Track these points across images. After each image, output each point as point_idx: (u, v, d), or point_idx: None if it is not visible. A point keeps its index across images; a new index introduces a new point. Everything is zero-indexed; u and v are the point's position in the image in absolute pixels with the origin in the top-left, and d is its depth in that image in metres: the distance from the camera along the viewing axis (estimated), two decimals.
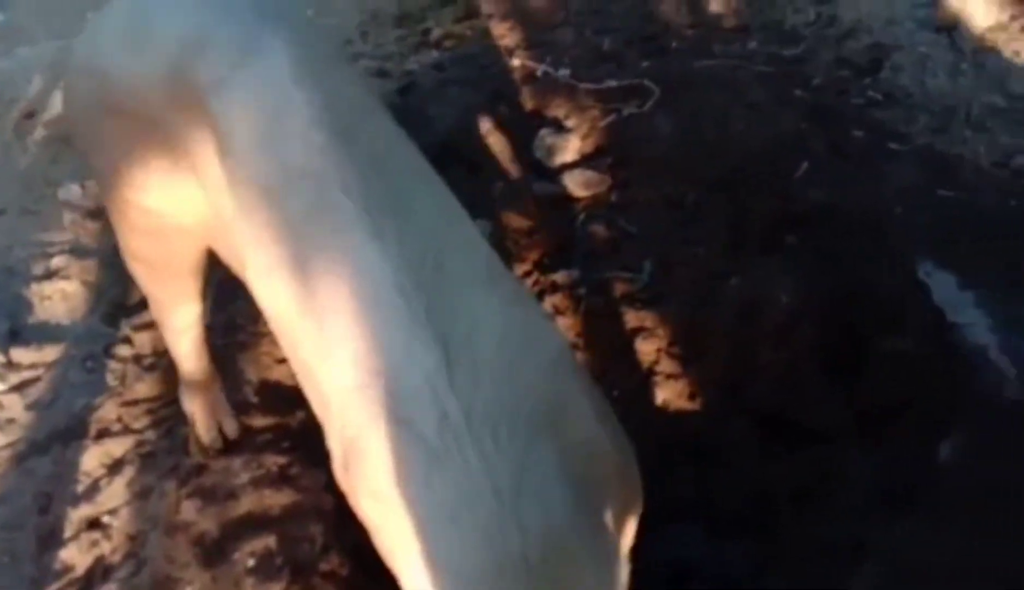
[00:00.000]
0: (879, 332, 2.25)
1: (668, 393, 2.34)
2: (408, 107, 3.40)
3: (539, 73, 3.54)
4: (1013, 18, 3.28)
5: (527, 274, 2.68)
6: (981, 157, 2.70)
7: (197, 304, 1.96)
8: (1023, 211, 2.45)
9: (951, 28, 3.24)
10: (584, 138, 3.20)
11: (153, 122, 1.49)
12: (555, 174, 3.06)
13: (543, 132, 3.19)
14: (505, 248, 2.74)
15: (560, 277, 2.66)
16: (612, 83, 3.41)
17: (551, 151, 3.12)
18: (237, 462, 2.25)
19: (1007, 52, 3.13)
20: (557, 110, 3.33)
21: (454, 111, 3.32)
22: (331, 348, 1.25)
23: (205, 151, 1.44)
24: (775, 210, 2.70)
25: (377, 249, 1.23)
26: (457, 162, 3.12)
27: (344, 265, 1.25)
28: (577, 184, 3.02)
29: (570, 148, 3.14)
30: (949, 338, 2.11)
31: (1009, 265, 2.25)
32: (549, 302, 2.60)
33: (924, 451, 1.92)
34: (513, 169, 3.07)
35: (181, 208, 1.54)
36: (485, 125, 3.26)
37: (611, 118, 3.25)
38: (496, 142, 3.18)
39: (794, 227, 2.67)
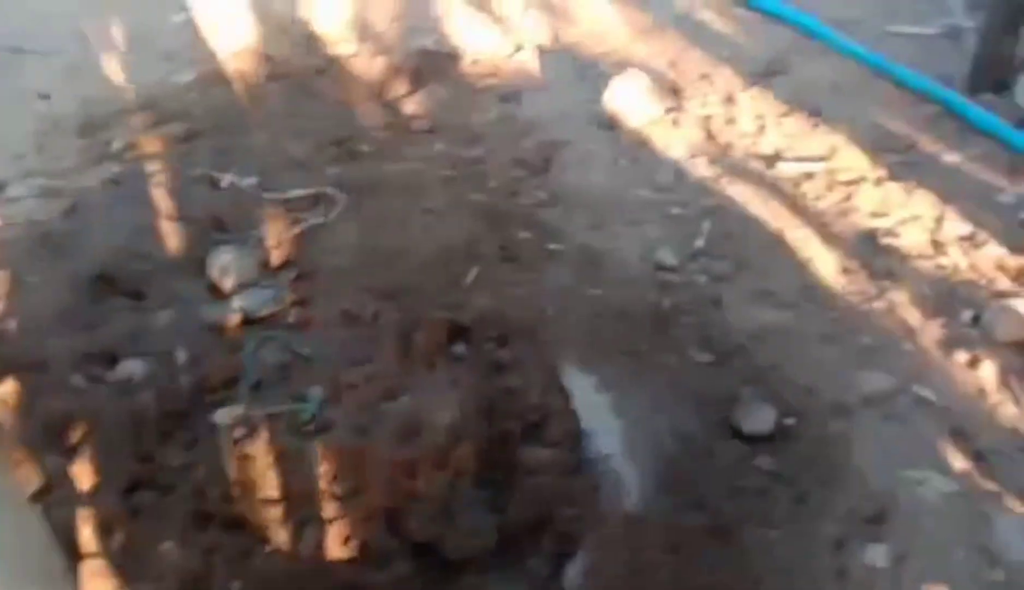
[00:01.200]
0: (526, 444, 2.27)
1: (328, 539, 2.23)
2: (70, 232, 3.12)
3: (224, 183, 3.39)
4: (668, 111, 3.56)
5: (183, 417, 2.49)
6: (629, 252, 2.86)
7: None
8: (658, 305, 2.60)
9: (613, 124, 3.46)
10: (265, 253, 3.08)
11: None
12: (230, 296, 2.90)
13: (220, 250, 3.03)
14: (162, 391, 2.54)
15: (222, 415, 2.50)
16: (299, 192, 3.32)
17: (226, 271, 2.96)
18: None
19: (659, 145, 3.38)
20: (238, 224, 3.19)
21: (122, 232, 3.08)
22: None
23: None
24: (445, 320, 2.70)
25: None
26: (118, 293, 2.89)
27: None
28: (253, 305, 2.88)
29: (248, 266, 3.00)
30: (583, 448, 2.16)
31: (637, 360, 2.36)
32: (205, 446, 2.42)
33: (556, 574, 1.94)
34: (182, 295, 2.88)
35: None
36: (154, 247, 3.05)
37: (296, 229, 3.16)
38: (165, 266, 2.99)
39: (462, 337, 2.68)
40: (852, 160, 3.27)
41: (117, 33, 4.63)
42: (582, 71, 3.90)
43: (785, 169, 3.24)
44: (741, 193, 3.12)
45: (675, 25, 4.23)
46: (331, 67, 4.18)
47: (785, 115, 3.56)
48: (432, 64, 4.03)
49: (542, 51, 4.09)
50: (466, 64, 4.05)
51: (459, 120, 3.64)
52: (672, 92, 3.69)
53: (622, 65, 3.91)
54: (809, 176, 3.21)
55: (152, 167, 3.49)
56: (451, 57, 4.09)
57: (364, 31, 4.45)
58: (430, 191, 3.23)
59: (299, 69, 4.18)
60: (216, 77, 4.17)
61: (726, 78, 3.84)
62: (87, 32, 4.64)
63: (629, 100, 3.42)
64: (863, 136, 3.36)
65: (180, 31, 4.59)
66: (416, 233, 3.04)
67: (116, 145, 3.66)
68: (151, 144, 3.67)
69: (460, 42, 4.24)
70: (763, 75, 3.84)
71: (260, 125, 3.77)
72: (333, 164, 3.47)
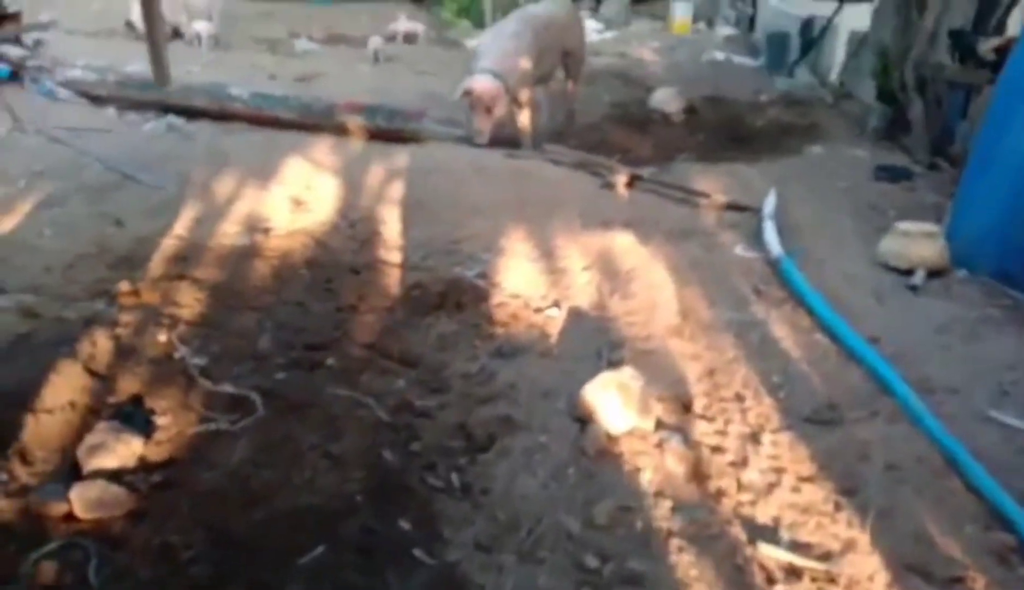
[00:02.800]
0: None
1: None
2: None
3: (176, 354, 3.16)
4: (661, 427, 2.90)
5: None
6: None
7: None
8: None
9: (588, 421, 2.86)
10: (148, 443, 2.74)
11: None
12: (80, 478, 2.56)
13: (104, 426, 2.74)
14: None
15: None
16: (227, 388, 3.01)
17: (95, 450, 2.63)
18: None
19: (625, 467, 2.71)
20: (153, 398, 2.91)
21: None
22: None
23: None
24: None
25: None
26: None
27: None
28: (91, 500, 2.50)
29: (123, 453, 2.66)
30: None
31: None
32: None
33: None
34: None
35: None
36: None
37: (196, 428, 2.81)
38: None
39: None
40: (863, 572, 2.40)
41: (216, 187, 4.81)
42: (600, 349, 3.38)
43: (768, 553, 2.43)
44: (687, 565, 2.35)
45: (735, 331, 3.62)
46: (366, 268, 3.99)
47: (808, 480, 2.76)
48: (457, 294, 3.70)
49: (574, 314, 3.63)
50: (492, 303, 3.68)
51: (438, 362, 3.21)
52: (682, 406, 3.04)
53: (645, 355, 3.35)
54: (793, 574, 2.38)
55: (124, 316, 3.37)
56: (480, 292, 3.74)
57: (421, 243, 4.27)
58: (348, 435, 2.76)
59: (334, 261, 4.03)
60: (259, 248, 4.12)
61: (763, 409, 3.13)
62: (194, 179, 4.88)
63: (612, 400, 2.82)
64: (895, 546, 2.48)
65: (268, 199, 4.69)
66: (295, 479, 2.56)
67: (122, 286, 3.60)
68: (150, 295, 3.58)
69: (501, 279, 3.90)
70: (809, 420, 3.09)
71: (260, 306, 3.59)
72: (287, 369, 3.13)
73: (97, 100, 6.02)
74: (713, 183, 5.41)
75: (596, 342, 3.44)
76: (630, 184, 5.09)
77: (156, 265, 3.87)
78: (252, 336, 3.33)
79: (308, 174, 4.97)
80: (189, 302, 3.55)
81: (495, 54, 5.65)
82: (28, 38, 7.14)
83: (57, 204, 4.49)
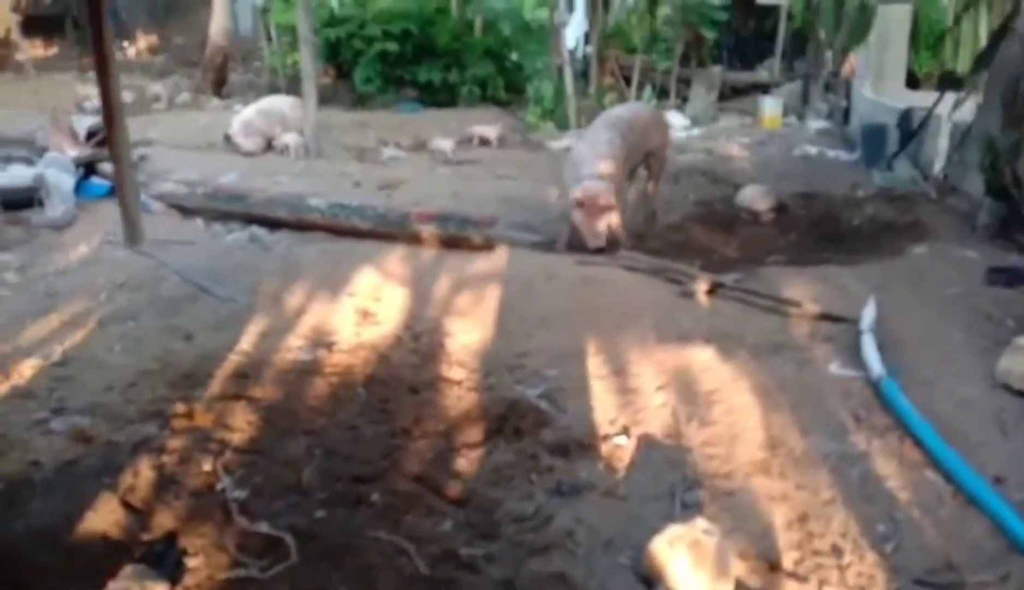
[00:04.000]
0: None
1: None
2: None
3: (218, 486, 2.98)
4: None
5: None
6: None
7: None
8: None
9: (652, 583, 2.47)
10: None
11: None
12: None
13: (130, 569, 2.55)
14: None
15: None
16: (262, 526, 2.79)
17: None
18: None
19: None
20: (186, 535, 2.72)
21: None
22: None
23: None
24: None
25: None
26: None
27: None
28: None
29: None
30: None
31: None
32: None
33: None
34: None
35: None
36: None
37: (226, 574, 2.59)
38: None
39: None
40: None
41: (287, 298, 4.76)
42: (674, 487, 2.99)
43: None
44: None
45: (832, 466, 3.17)
46: (426, 387, 3.77)
47: None
48: (517, 417, 3.42)
49: (646, 444, 3.28)
50: (554, 428, 3.37)
51: (489, 500, 2.90)
52: (767, 564, 2.61)
53: (725, 497, 2.94)
54: None
55: (173, 441, 3.24)
56: (541, 415, 3.44)
57: (485, 358, 4.03)
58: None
59: (395, 378, 3.83)
60: (321, 365, 3.98)
61: (865, 567, 2.65)
62: (266, 290, 4.86)
63: (682, 561, 2.43)
64: None
65: (336, 311, 4.59)
66: None
67: (176, 409, 3.50)
68: (203, 417, 3.46)
69: (566, 400, 3.60)
70: (922, 582, 2.60)
71: (312, 430, 3.40)
72: (329, 505, 2.90)
73: (186, 212, 6.20)
74: (805, 289, 4.98)
75: (669, 478, 3.06)
76: (711, 292, 4.74)
77: (216, 383, 3.77)
78: (299, 465, 3.13)
79: (378, 284, 4.87)
80: (241, 425, 3.41)
81: (596, 159, 5.61)
82: (132, 154, 7.54)
83: (131, 317, 4.52)
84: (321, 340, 4.24)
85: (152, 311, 4.60)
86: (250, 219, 6.01)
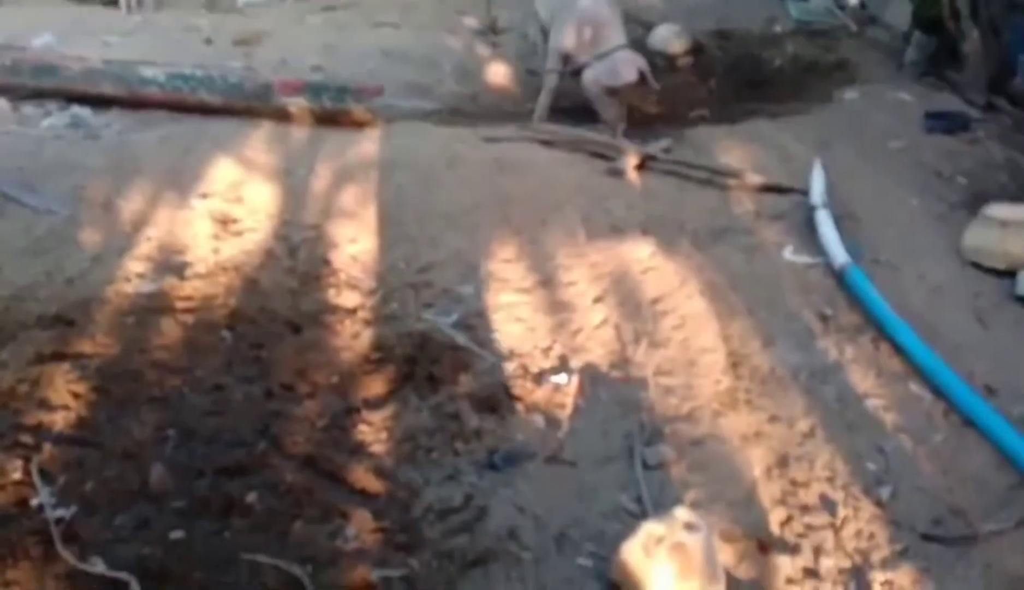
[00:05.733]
0: None
1: None
2: None
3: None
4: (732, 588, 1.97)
5: None
6: None
7: None
8: None
9: None
10: None
11: None
12: None
13: None
14: None
15: None
16: (97, 566, 2.05)
17: None
18: None
19: None
20: None
21: None
22: None
23: None
24: None
25: None
26: None
27: None
28: None
29: None
30: None
31: None
32: None
33: None
34: None
35: None
36: None
37: None
38: None
39: None
40: None
41: (121, 204, 3.74)
42: (631, 440, 2.41)
43: None
44: None
45: (804, 385, 2.66)
46: (310, 321, 2.97)
47: None
48: (429, 359, 2.71)
49: (590, 379, 2.66)
50: (477, 371, 2.69)
51: (403, 486, 2.23)
52: (757, 544, 2.10)
53: (693, 448, 2.39)
54: None
55: None
56: (460, 355, 2.75)
57: (381, 274, 3.25)
58: None
59: (268, 313, 3.01)
60: (170, 298, 3.10)
61: (862, 524, 2.18)
62: (94, 195, 3.80)
63: (664, 572, 1.86)
64: None
65: (186, 219, 3.62)
66: None
67: None
68: (10, 393, 2.57)
69: (487, 327, 2.91)
70: (929, 537, 2.16)
71: (162, 398, 2.59)
72: (188, 518, 2.15)
73: None
74: (740, 153, 4.35)
75: (623, 426, 2.47)
76: (641, 166, 4.03)
77: (28, 337, 2.84)
78: (145, 456, 2.34)
79: (238, 179, 3.89)
80: (64, 398, 2.56)
81: (616, 21, 4.68)
82: None
83: None
84: (169, 262, 3.32)
85: None
86: (70, 97, 4.75)
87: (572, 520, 2.13)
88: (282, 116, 4.45)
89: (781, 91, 5.81)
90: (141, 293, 3.13)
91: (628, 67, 4.50)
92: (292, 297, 3.10)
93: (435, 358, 2.70)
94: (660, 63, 6.30)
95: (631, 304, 3.03)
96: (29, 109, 4.86)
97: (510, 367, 2.69)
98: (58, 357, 2.75)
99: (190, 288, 3.15)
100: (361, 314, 3.00)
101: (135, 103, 4.60)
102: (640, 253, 3.32)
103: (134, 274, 3.24)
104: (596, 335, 2.88)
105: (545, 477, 2.26)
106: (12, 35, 6.11)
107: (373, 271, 3.26)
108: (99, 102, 4.72)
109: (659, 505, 2.16)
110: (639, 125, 4.81)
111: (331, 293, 3.12)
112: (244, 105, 4.45)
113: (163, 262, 3.32)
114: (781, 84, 5.98)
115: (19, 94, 4.93)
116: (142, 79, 4.61)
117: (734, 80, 6.09)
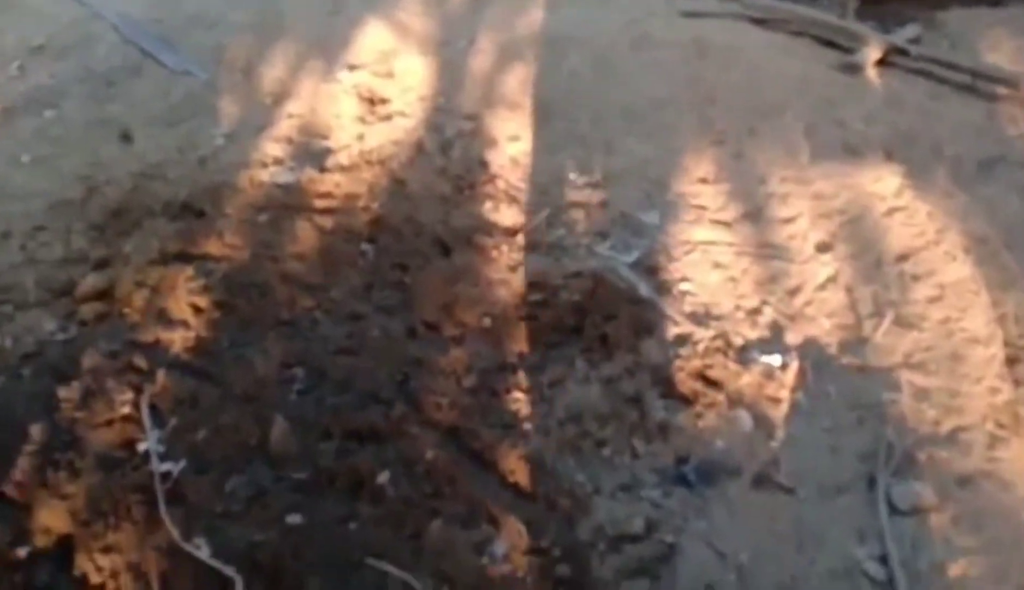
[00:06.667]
0: None
1: None
2: None
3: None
4: None
5: None
6: None
7: None
8: None
9: None
10: None
11: None
12: None
13: None
14: None
15: None
16: (201, 554, 1.70)
17: None
18: None
19: None
20: None
21: None
22: None
23: None
24: None
25: None
26: None
27: None
28: None
29: None
30: None
31: None
32: None
33: None
34: None
35: None
36: None
37: None
38: None
39: None
40: None
41: (262, 71, 3.26)
42: (873, 464, 1.78)
43: None
44: None
45: None
46: (461, 242, 2.43)
47: None
48: (602, 313, 2.13)
49: (814, 363, 2.00)
50: (666, 333, 2.10)
51: (567, 495, 1.74)
52: None
53: (961, 494, 1.73)
54: None
55: (81, 351, 2.06)
56: (640, 310, 2.14)
57: (546, 188, 2.64)
58: None
59: (414, 224, 2.50)
60: (307, 195, 2.64)
61: None
62: (234, 57, 3.34)
63: None
64: None
65: (330, 95, 3.11)
66: None
67: (84, 287, 2.28)
68: (127, 299, 2.24)
69: (675, 274, 2.27)
70: None
71: (291, 322, 2.18)
72: (307, 495, 1.76)
73: None
74: (1012, 48, 3.31)
75: (860, 442, 1.84)
76: (883, 61, 3.11)
77: (153, 227, 2.49)
78: (266, 402, 1.96)
79: (389, 48, 3.31)
80: (185, 313, 2.20)
81: None
82: None
83: (50, 103, 3.13)
84: (309, 147, 2.85)
85: (81, 92, 3.19)
86: None
87: (789, 579, 1.56)
88: None
89: None
90: (278, 184, 2.70)
91: None
92: (443, 206, 2.57)
93: (610, 312, 2.12)
94: None
95: (869, 258, 2.30)
96: None
97: (706, 336, 2.07)
98: (183, 257, 2.38)
99: (331, 183, 2.68)
100: (520, 238, 2.43)
101: None
102: (883, 186, 2.53)
103: (271, 158, 2.81)
104: (821, 299, 2.19)
105: (753, 507, 1.69)
106: None
107: (537, 181, 2.65)
108: None
109: (913, 573, 1.56)
110: (877, 1, 3.78)
111: (487, 206, 2.56)
112: None
113: (303, 146, 2.86)
114: None
115: None
116: None
117: None
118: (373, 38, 3.37)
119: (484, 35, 3.30)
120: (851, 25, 3.25)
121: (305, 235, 2.47)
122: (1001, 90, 3.01)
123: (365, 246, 2.44)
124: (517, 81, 3.07)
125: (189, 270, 2.33)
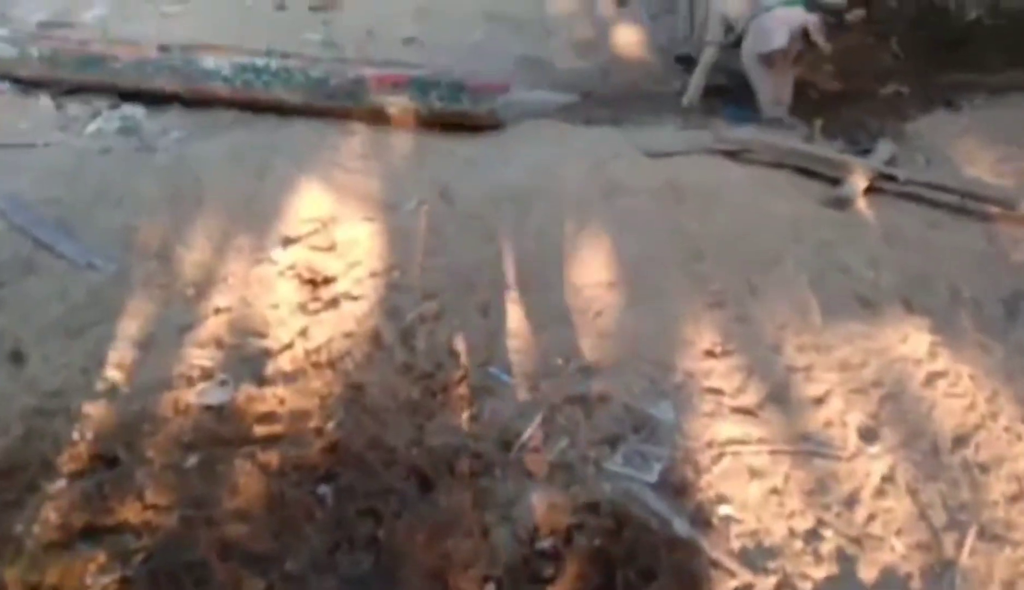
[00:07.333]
0: None
1: None
2: None
3: None
4: None
5: None
6: None
7: None
8: None
9: None
10: None
11: None
12: None
13: None
14: None
15: None
16: None
17: None
18: None
19: None
20: None
21: None
22: None
23: None
24: None
25: None
26: None
27: None
28: None
29: None
30: None
31: None
32: None
33: None
34: None
35: None
36: None
37: None
38: None
39: None
40: None
41: (180, 255, 2.79)
42: None
43: None
44: None
45: None
46: (439, 469, 1.99)
47: None
48: (636, 561, 1.70)
49: None
50: (720, 586, 1.67)
51: None
52: None
53: None
54: None
55: None
56: (684, 556, 1.72)
57: (534, 378, 2.23)
58: None
59: (381, 450, 2.04)
60: (243, 421, 2.15)
61: None
62: (146, 241, 2.86)
63: None
64: None
65: (263, 280, 2.66)
66: None
67: None
68: None
69: (710, 500, 1.87)
70: None
71: None
72: None
73: (24, 84, 3.95)
74: (984, 157, 3.13)
75: None
76: (871, 188, 2.87)
77: (52, 492, 1.96)
78: None
79: (328, 214, 2.90)
80: None
81: None
82: None
83: None
84: (243, 352, 2.38)
85: None
86: (121, 93, 3.81)
87: None
88: (378, 118, 3.40)
89: (987, 53, 4.47)
90: (208, 406, 2.21)
91: (779, 30, 3.29)
92: (413, 419, 2.12)
93: (645, 565, 1.69)
94: (829, 20, 4.98)
95: (923, 445, 1.95)
96: (75, 108, 3.94)
97: (767, 586, 1.65)
98: (92, 535, 1.85)
99: (273, 399, 2.21)
100: (513, 456, 2.00)
101: (196, 101, 3.62)
102: (912, 347, 2.21)
103: (198, 371, 2.32)
104: (884, 509, 1.81)
105: None
106: (62, 9, 5.20)
107: (521, 371, 2.24)
108: (154, 99, 3.76)
109: None
110: (822, 110, 3.60)
111: (466, 414, 2.12)
112: (329, 105, 3.41)
113: (236, 350, 2.39)
114: (985, 43, 4.62)
115: (62, 89, 4.01)
116: (204, 72, 3.61)
117: (922, 39, 4.74)
118: (308, 203, 2.95)
119: (435, 193, 2.92)
120: (830, 154, 3.01)
121: (247, 482, 1.98)
122: (992, 209, 2.79)
123: (322, 489, 1.96)
124: (475, 245, 2.69)
125: (100, 555, 1.80)
